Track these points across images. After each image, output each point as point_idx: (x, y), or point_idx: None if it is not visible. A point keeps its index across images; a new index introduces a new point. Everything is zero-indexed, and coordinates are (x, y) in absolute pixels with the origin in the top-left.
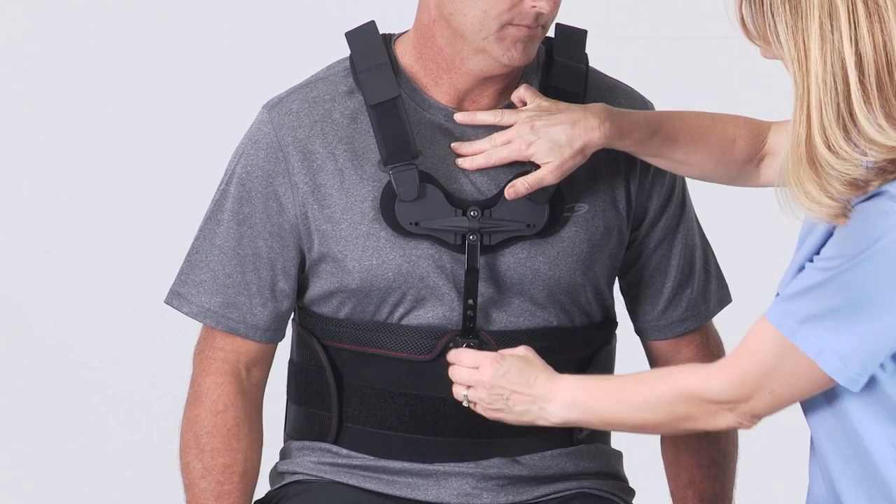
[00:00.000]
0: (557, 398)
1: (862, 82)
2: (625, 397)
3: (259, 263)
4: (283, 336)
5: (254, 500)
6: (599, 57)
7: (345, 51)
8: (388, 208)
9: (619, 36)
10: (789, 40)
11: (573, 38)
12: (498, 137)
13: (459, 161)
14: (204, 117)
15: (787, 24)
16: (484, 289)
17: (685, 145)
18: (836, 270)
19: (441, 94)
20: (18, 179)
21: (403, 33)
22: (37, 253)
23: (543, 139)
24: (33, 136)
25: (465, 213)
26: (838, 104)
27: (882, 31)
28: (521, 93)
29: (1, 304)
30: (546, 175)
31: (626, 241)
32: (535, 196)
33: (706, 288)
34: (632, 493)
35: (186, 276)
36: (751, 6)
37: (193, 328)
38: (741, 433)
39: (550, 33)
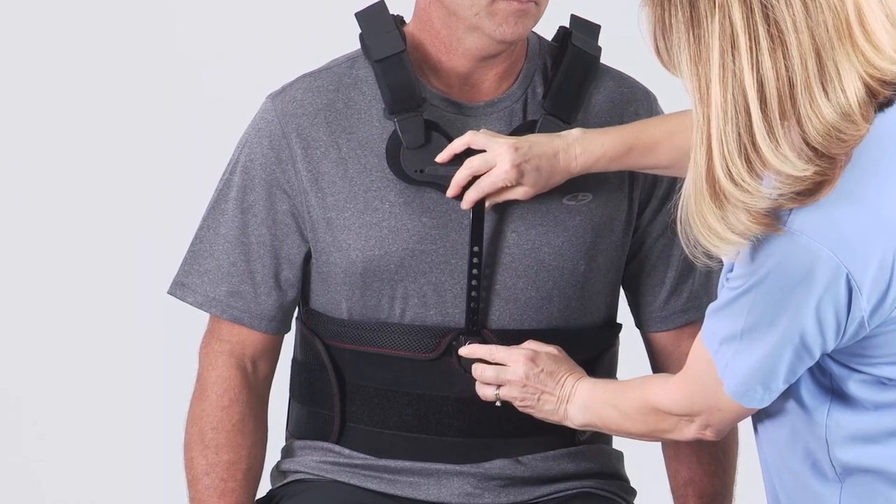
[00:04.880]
0: (575, 401)
1: (764, 111)
2: (616, 405)
3: (263, 252)
4: (288, 328)
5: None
6: (607, 54)
7: (346, 47)
8: (394, 156)
9: (626, 35)
10: (693, 70)
11: (588, 30)
12: (475, 161)
13: (461, 204)
14: (207, 109)
15: (690, 54)
16: (488, 281)
17: (667, 151)
18: (739, 290)
19: (442, 76)
20: (19, 172)
21: (409, 23)
22: (37, 247)
23: (531, 165)
24: (35, 128)
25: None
26: (739, 134)
27: (784, 57)
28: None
29: (1, 299)
30: (521, 196)
31: (631, 233)
32: None
33: (708, 279)
34: (633, 492)
35: (190, 266)
36: (663, 36)
37: (198, 322)
38: (741, 430)
39: (565, 23)
